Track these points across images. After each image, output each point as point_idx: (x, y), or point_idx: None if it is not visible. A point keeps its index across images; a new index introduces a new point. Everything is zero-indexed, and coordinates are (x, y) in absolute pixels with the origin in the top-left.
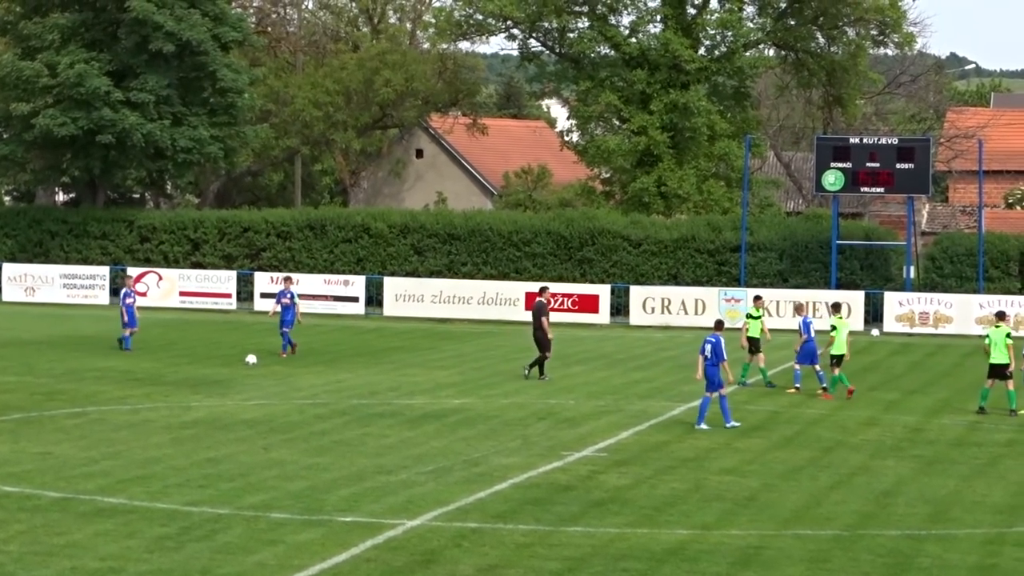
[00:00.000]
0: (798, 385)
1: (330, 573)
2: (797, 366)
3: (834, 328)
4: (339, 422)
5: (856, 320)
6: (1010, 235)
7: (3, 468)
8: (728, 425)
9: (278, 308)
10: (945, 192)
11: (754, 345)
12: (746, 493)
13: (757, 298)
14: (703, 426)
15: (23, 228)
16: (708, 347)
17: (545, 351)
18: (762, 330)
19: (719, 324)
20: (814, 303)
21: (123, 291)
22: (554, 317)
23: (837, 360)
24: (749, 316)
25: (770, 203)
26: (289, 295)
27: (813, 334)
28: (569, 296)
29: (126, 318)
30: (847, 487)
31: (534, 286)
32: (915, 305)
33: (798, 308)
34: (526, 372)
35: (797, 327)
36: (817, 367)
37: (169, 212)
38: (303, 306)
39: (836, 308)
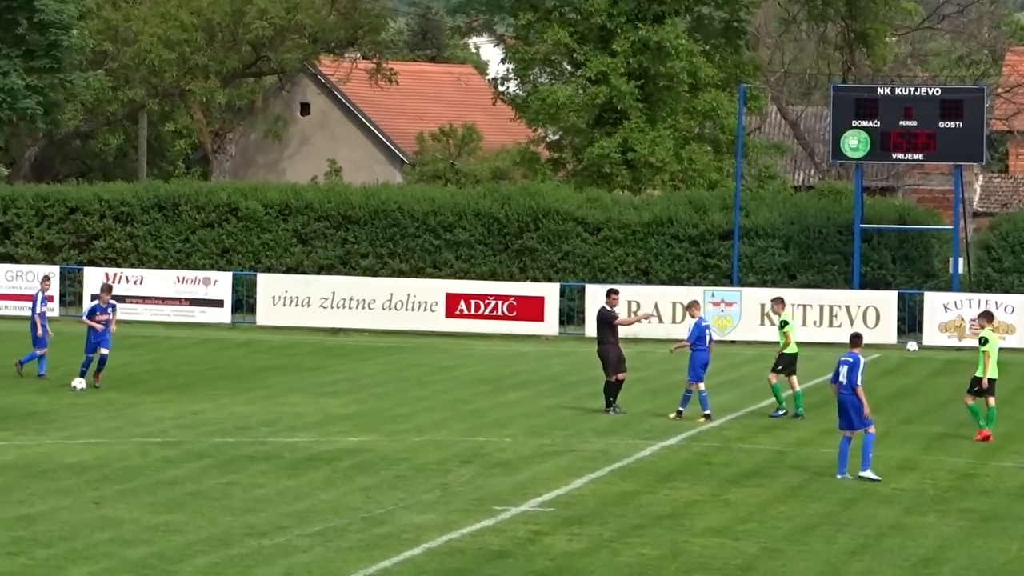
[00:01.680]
0: (708, 411)
1: None
2: (700, 386)
3: (985, 342)
4: (195, 467)
5: (886, 330)
6: None
7: None
8: (862, 474)
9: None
10: (1004, 159)
11: (785, 361)
12: (739, 561)
13: (778, 300)
14: (845, 475)
15: None
16: (844, 369)
17: (609, 372)
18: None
19: (856, 339)
20: (831, 307)
21: (37, 296)
22: (485, 326)
23: (990, 386)
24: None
25: (772, 174)
26: (110, 308)
27: (708, 343)
28: (504, 298)
29: (40, 331)
30: (874, 552)
31: (457, 285)
32: (965, 309)
33: (690, 307)
34: (613, 409)
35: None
36: (701, 386)
37: None
38: (147, 313)
39: (988, 317)
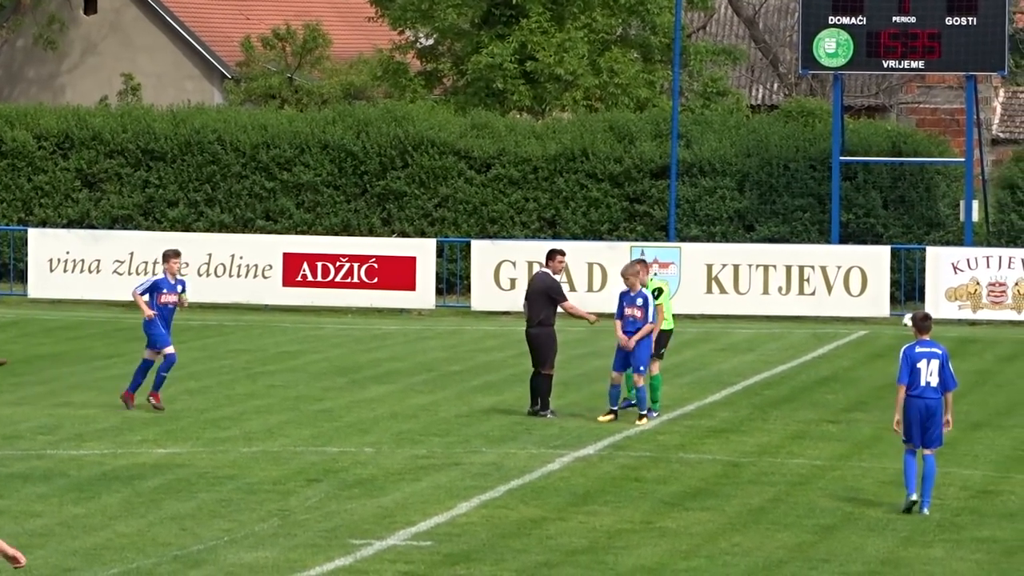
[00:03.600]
0: (612, 405)
1: None
2: (615, 375)
3: (661, 292)
4: None
5: (876, 299)
6: None
7: None
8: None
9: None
10: None
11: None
12: None
13: (642, 263)
14: (916, 496)
15: None
16: (933, 365)
17: (540, 364)
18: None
19: (927, 321)
20: (801, 268)
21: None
22: (336, 297)
23: (659, 347)
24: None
25: (722, 90)
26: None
27: (641, 315)
28: (362, 260)
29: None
30: None
31: (298, 242)
32: (981, 271)
33: (638, 270)
34: (545, 411)
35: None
36: (639, 378)
37: None
38: None
39: (646, 265)
